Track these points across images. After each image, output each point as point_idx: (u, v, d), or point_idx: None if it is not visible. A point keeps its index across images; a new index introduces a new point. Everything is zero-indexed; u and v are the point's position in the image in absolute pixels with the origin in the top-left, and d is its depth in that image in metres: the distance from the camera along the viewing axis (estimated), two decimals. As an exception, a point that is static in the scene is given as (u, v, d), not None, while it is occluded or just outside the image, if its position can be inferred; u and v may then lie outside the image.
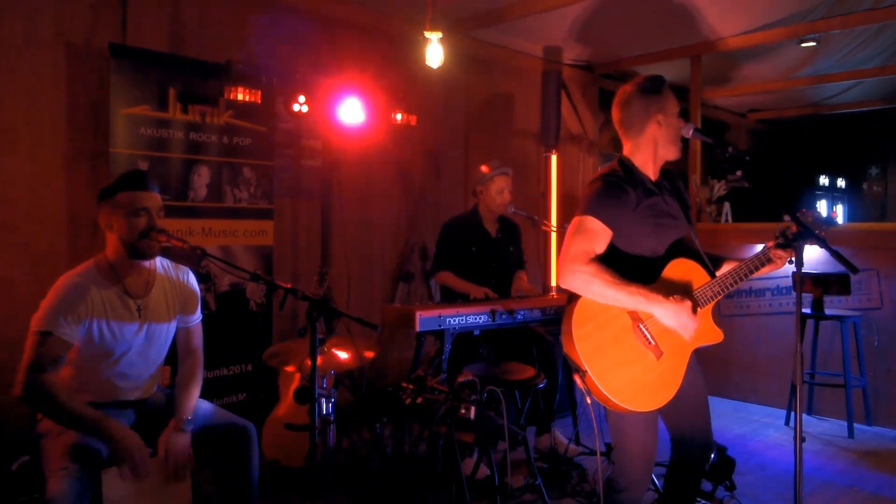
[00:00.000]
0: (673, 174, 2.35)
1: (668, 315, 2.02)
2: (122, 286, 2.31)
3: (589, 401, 2.06)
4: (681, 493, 2.35)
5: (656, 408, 2.09)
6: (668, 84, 2.26)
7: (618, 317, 2.08)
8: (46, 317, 2.14)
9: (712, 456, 3.28)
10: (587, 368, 2.01)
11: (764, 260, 2.17)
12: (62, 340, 2.15)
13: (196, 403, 2.41)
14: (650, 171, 2.25)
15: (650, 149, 2.23)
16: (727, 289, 2.16)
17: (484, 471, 3.28)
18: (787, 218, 2.09)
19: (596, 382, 2.01)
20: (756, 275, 2.18)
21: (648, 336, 2.09)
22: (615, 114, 2.29)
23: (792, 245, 2.11)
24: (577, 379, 2.05)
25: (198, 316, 2.56)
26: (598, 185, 2.16)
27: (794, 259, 2.04)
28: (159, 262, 2.45)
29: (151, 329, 2.37)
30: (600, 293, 2.01)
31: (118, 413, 2.32)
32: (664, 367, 2.09)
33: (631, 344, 2.08)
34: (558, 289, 5.26)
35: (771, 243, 2.17)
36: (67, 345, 2.17)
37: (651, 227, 2.17)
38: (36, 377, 2.10)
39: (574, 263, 2.03)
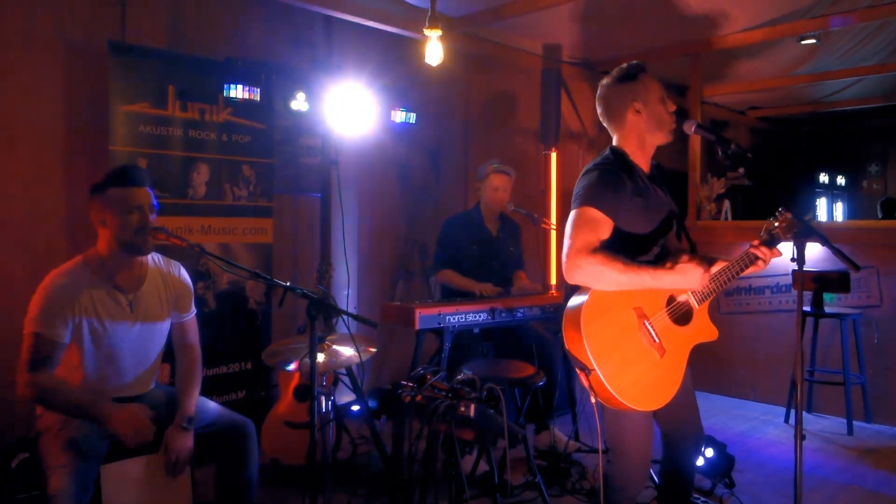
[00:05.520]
0: (664, 169, 2.32)
1: (679, 278, 2.00)
2: (113, 282, 2.31)
3: (593, 400, 2.03)
4: (677, 488, 2.36)
5: (659, 407, 2.08)
6: (646, 71, 2.24)
7: (623, 314, 2.04)
8: (35, 318, 2.17)
9: (710, 451, 3.28)
10: (596, 367, 1.95)
11: (748, 261, 2.12)
12: (51, 341, 2.17)
13: (197, 400, 2.41)
14: (641, 161, 2.22)
15: (635, 138, 2.20)
16: (721, 286, 2.14)
17: (483, 468, 3.28)
18: (788, 215, 2.08)
19: (604, 382, 1.95)
20: (743, 274, 2.15)
21: (653, 333, 2.06)
22: (598, 108, 2.27)
23: (775, 244, 2.09)
24: (583, 377, 2.00)
25: (192, 311, 2.56)
26: (595, 174, 2.10)
27: (795, 256, 2.02)
28: (150, 257, 2.45)
29: (145, 324, 2.37)
30: (612, 280, 1.97)
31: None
32: (666, 365, 2.08)
33: (636, 342, 2.04)
34: (558, 286, 5.27)
35: (756, 241, 2.12)
36: (57, 345, 2.18)
37: (644, 218, 2.14)
38: (29, 377, 2.15)
39: (580, 256, 1.98)
